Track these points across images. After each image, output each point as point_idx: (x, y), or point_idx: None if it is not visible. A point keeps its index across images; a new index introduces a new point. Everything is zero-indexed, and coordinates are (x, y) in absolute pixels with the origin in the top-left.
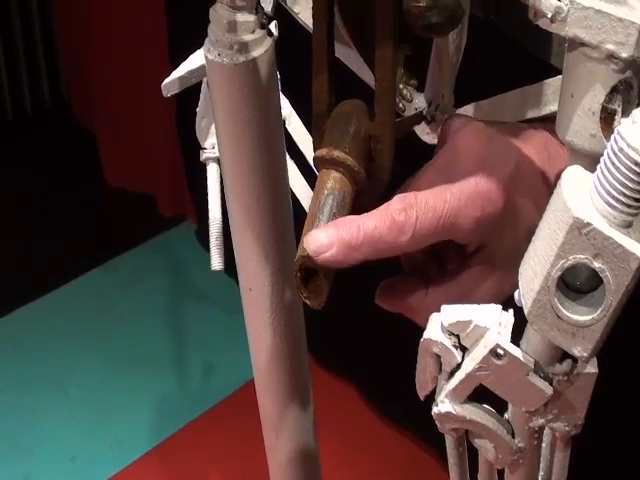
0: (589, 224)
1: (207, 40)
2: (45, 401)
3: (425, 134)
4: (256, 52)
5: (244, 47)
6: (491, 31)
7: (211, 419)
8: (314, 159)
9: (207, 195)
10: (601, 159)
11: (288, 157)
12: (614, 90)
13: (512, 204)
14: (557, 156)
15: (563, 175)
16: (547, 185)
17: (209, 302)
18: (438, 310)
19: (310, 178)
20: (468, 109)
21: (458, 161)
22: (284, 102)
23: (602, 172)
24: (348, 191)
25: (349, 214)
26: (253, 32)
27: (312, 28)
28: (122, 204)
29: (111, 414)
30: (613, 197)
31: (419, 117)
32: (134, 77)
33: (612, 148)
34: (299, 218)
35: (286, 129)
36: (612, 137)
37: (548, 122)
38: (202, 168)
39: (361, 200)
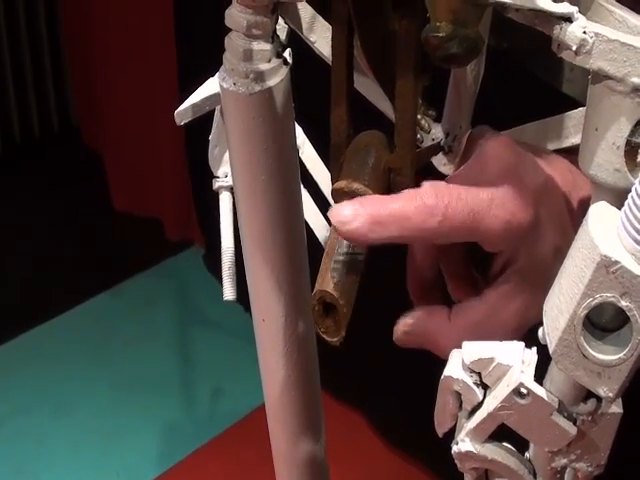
0: (617, 262)
1: (222, 68)
2: (51, 427)
3: (442, 165)
4: (272, 81)
5: (260, 76)
6: (503, 59)
7: (219, 446)
8: (333, 191)
9: (216, 221)
10: (628, 196)
11: (302, 186)
12: (638, 123)
13: (540, 218)
14: (582, 183)
15: (589, 212)
16: (570, 210)
17: (216, 327)
18: (462, 339)
19: (323, 207)
20: None
21: (486, 169)
22: (298, 130)
23: (629, 209)
24: None
25: (367, 247)
26: (269, 61)
27: (328, 57)
28: (129, 229)
29: (118, 441)
30: None
31: (436, 148)
32: (142, 102)
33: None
34: (313, 248)
35: (299, 158)
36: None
37: (570, 153)
38: (210, 193)
39: None
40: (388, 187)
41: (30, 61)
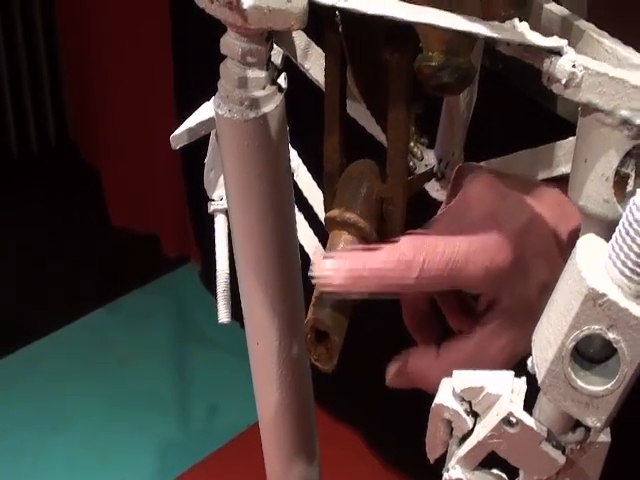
0: (604, 295)
1: (217, 95)
2: (47, 443)
3: (435, 191)
4: (267, 108)
5: (255, 103)
6: (498, 80)
7: (215, 463)
8: (326, 219)
9: (213, 238)
10: (616, 229)
11: (296, 209)
12: (627, 154)
13: (523, 258)
14: (571, 214)
15: (577, 244)
16: (559, 243)
17: (212, 344)
18: (450, 376)
19: (318, 230)
20: None
21: (469, 211)
22: (292, 154)
23: (617, 242)
24: None
25: None
26: (264, 88)
27: (322, 84)
28: (126, 244)
29: (114, 457)
30: (628, 268)
31: (429, 174)
32: (140, 118)
33: (627, 219)
34: (307, 272)
35: (294, 181)
36: (627, 208)
37: (561, 182)
38: (207, 210)
39: None
40: (380, 216)
41: (28, 76)
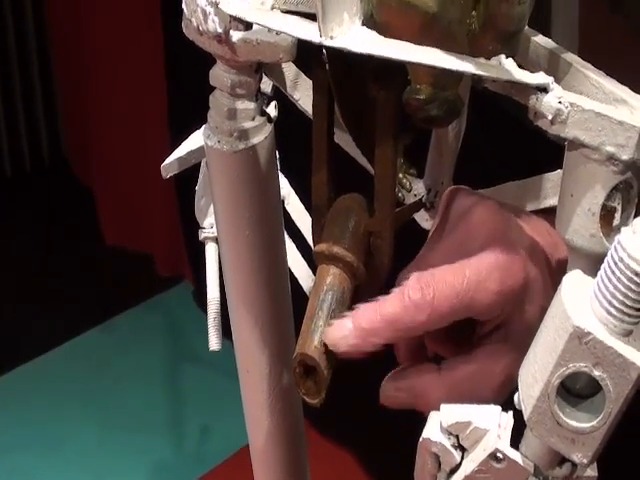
0: (589, 333)
1: (207, 126)
2: (41, 464)
3: (424, 221)
4: (256, 139)
5: (244, 134)
6: (486, 103)
7: None
8: (314, 254)
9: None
10: (601, 267)
11: (287, 237)
12: (614, 188)
13: (530, 280)
14: (560, 245)
15: (563, 281)
16: (551, 272)
17: (206, 364)
18: (451, 393)
19: (309, 256)
20: None
21: (473, 237)
22: (283, 182)
23: (602, 281)
24: (347, 286)
25: (348, 309)
26: (253, 119)
27: (312, 118)
28: (119, 263)
29: (107, 477)
30: (613, 306)
31: (418, 205)
32: (133, 136)
33: (612, 257)
34: (298, 299)
35: (285, 208)
36: (612, 246)
37: (548, 213)
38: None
39: (360, 294)
40: (368, 250)
41: (21, 94)
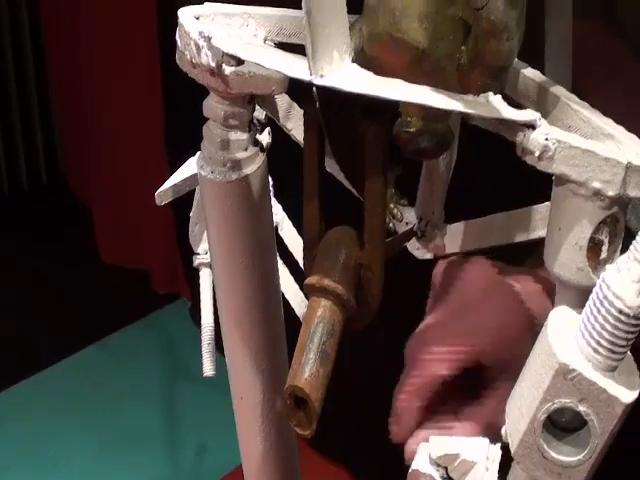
0: (574, 370)
1: (200, 156)
2: None
3: (416, 249)
4: (248, 169)
5: (237, 165)
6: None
7: None
8: (305, 286)
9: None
10: (587, 304)
11: (280, 262)
12: (601, 222)
13: (532, 320)
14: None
15: (549, 317)
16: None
17: (202, 382)
18: None
19: (302, 281)
20: (459, 227)
21: (470, 290)
22: (276, 208)
23: (588, 318)
24: (338, 319)
25: (339, 341)
26: (246, 149)
27: (303, 152)
28: (116, 281)
29: None
30: (599, 343)
31: (409, 234)
32: (130, 154)
33: (597, 295)
34: (291, 324)
35: (279, 234)
36: (597, 284)
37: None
38: None
39: (351, 325)
40: (358, 282)
41: (19, 113)
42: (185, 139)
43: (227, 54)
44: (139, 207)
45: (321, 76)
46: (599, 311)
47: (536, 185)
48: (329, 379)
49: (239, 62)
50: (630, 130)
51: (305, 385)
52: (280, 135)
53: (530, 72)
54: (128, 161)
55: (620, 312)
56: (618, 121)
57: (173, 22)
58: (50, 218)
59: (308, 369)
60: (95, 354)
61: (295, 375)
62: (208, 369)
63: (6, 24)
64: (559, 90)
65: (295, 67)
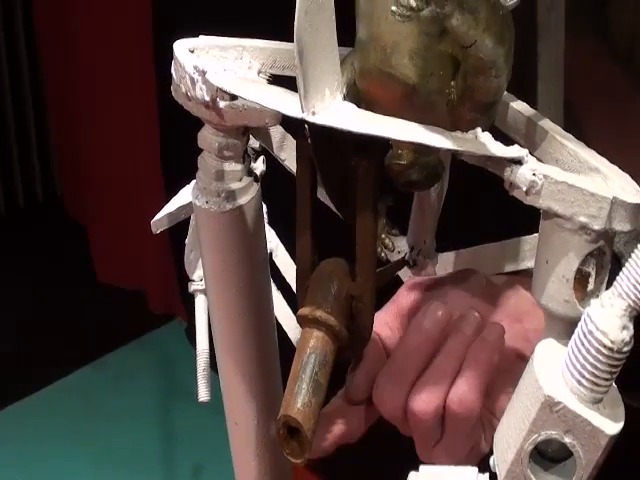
0: (560, 402)
1: (195, 186)
2: None
3: (407, 277)
4: (243, 199)
5: (231, 195)
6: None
7: None
8: (297, 317)
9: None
10: (572, 338)
11: (275, 288)
12: (588, 254)
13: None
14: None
15: (536, 350)
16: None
17: (198, 402)
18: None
19: (297, 306)
20: (449, 256)
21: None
22: (270, 234)
23: (573, 352)
24: (330, 349)
25: (331, 371)
26: (240, 180)
27: (296, 185)
28: (112, 300)
29: None
30: (584, 377)
31: (401, 263)
32: (126, 174)
33: (582, 329)
34: (285, 350)
35: (273, 261)
36: (582, 319)
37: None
38: None
39: (343, 355)
40: (350, 314)
41: (15, 132)
42: (181, 159)
43: (221, 89)
44: (135, 228)
45: (313, 113)
46: (584, 345)
47: (525, 215)
48: (322, 408)
49: (233, 97)
50: (622, 147)
51: (298, 415)
52: (274, 162)
53: (519, 105)
54: (124, 182)
55: (604, 347)
56: (612, 138)
57: (169, 48)
58: (46, 238)
59: (301, 399)
60: (91, 374)
61: (288, 405)
62: (203, 395)
63: (2, 46)
64: (547, 124)
65: (287, 104)
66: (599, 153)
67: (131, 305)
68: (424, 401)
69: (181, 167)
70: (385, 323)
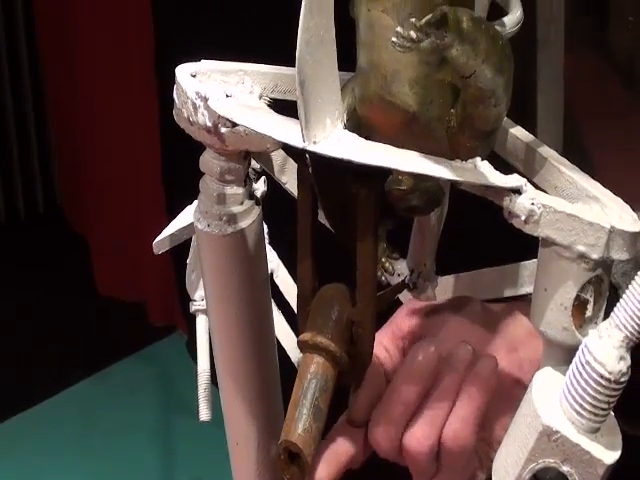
0: (557, 432)
1: (197, 209)
2: None
3: (407, 299)
4: (244, 223)
5: (232, 218)
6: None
7: None
8: (298, 342)
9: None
10: (570, 368)
11: (275, 308)
12: (586, 281)
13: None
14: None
15: (534, 378)
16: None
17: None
18: None
19: (297, 326)
20: (449, 280)
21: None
22: (271, 255)
23: (571, 381)
24: (331, 375)
25: (332, 396)
26: (241, 203)
27: (297, 211)
28: (113, 313)
29: None
30: (581, 406)
31: (401, 286)
32: (127, 185)
33: (580, 360)
34: (286, 370)
35: (274, 280)
36: (580, 349)
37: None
38: None
39: (344, 380)
40: (350, 339)
41: (17, 144)
42: (182, 170)
43: (222, 117)
44: (135, 239)
45: (314, 143)
46: (582, 375)
47: (525, 238)
48: (322, 434)
49: (235, 124)
50: (623, 161)
51: (298, 440)
52: (276, 182)
53: (518, 131)
54: (125, 194)
55: (602, 377)
56: (612, 152)
57: (172, 60)
58: (47, 248)
59: (302, 424)
60: (91, 387)
61: (289, 430)
62: (204, 414)
63: (4, 61)
64: (546, 151)
65: (289, 133)
66: (599, 166)
67: (131, 317)
68: (419, 440)
69: (182, 178)
70: (383, 346)
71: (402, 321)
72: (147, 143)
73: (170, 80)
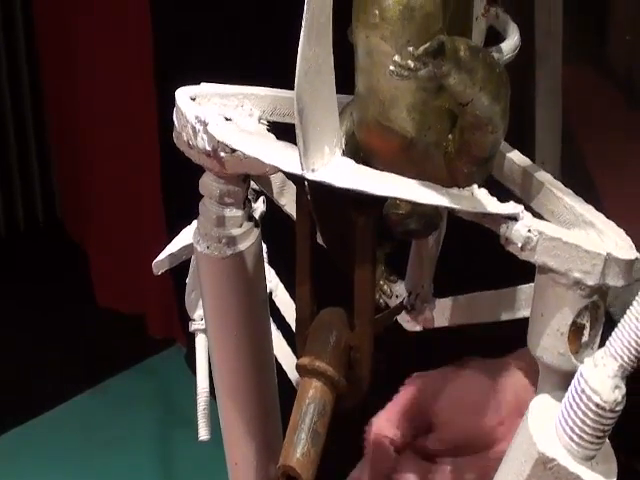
0: (553, 459)
1: (196, 231)
2: None
3: (406, 322)
4: (243, 245)
5: (232, 241)
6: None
7: None
8: (296, 367)
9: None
10: (565, 396)
11: (274, 327)
12: (583, 307)
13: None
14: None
15: (530, 406)
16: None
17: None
18: None
19: (295, 346)
20: (447, 302)
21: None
22: (270, 274)
23: (566, 409)
24: (329, 399)
25: (330, 421)
26: (241, 226)
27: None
28: (112, 325)
29: None
30: (576, 434)
31: (399, 308)
32: (127, 197)
33: (575, 388)
34: (284, 390)
35: (272, 300)
36: (575, 377)
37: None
38: None
39: (342, 404)
40: (348, 363)
41: (16, 155)
42: (182, 185)
43: (221, 142)
44: (135, 251)
45: (312, 170)
46: (577, 404)
47: (523, 261)
48: (320, 458)
49: (233, 150)
50: (622, 176)
51: (297, 464)
52: (274, 203)
53: (515, 155)
54: (124, 205)
55: (597, 406)
56: (610, 165)
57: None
58: (46, 260)
59: (300, 449)
60: (90, 400)
61: (287, 454)
62: (203, 433)
63: (4, 71)
64: (543, 176)
65: (287, 160)
66: (597, 180)
67: (131, 330)
68: None
69: (182, 191)
70: (391, 423)
71: (407, 397)
72: (147, 156)
73: (170, 98)
